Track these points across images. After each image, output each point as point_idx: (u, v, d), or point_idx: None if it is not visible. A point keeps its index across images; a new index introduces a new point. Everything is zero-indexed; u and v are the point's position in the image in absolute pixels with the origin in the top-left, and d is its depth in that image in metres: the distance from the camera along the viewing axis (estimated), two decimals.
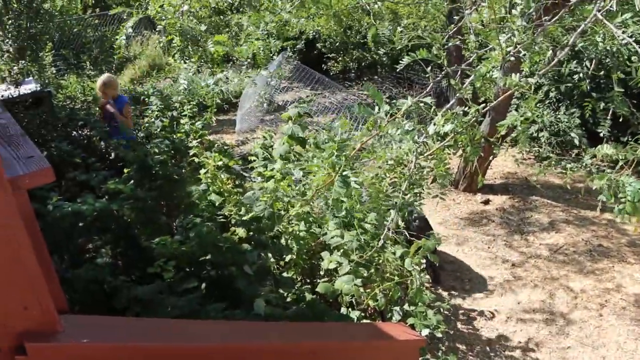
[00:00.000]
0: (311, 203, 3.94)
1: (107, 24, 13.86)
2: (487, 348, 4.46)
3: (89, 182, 3.97)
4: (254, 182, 4.81)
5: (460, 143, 2.69)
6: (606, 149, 2.23)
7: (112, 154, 4.80)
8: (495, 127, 3.23)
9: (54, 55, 10.89)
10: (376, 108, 2.41)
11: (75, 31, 13.12)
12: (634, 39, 2.36)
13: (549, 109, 7.74)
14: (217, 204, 3.90)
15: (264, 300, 2.91)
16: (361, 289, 3.42)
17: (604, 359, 4.27)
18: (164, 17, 7.51)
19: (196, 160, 4.68)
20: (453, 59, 6.66)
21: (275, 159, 4.50)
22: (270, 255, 3.69)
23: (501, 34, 2.60)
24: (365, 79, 11.91)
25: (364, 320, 3.71)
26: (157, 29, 12.59)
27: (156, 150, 4.55)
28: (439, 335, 4.11)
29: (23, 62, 8.84)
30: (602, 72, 6.46)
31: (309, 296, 3.52)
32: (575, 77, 7.20)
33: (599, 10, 2.28)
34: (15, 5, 9.32)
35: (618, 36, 2.27)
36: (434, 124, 2.50)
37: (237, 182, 4.59)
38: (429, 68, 2.72)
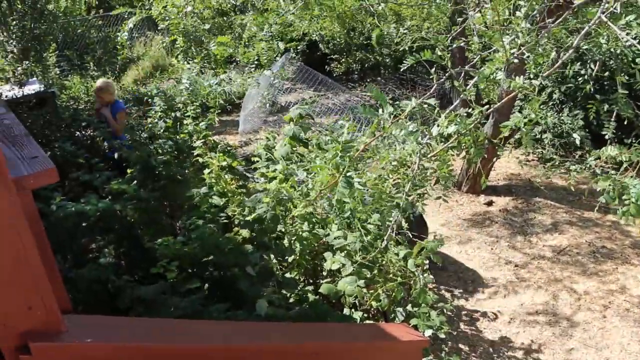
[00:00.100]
0: (314, 204, 3.94)
1: (110, 25, 13.89)
2: (490, 349, 4.45)
3: (92, 182, 3.98)
4: (257, 182, 4.81)
5: (463, 144, 2.68)
6: (610, 150, 2.22)
7: (116, 155, 4.80)
8: (498, 129, 3.22)
9: (57, 56, 10.92)
10: (380, 109, 2.41)
11: (79, 32, 13.15)
12: (637, 40, 2.36)
13: (553, 110, 7.72)
14: (220, 204, 3.90)
15: (266, 301, 2.91)
16: (364, 290, 3.42)
17: None
18: (167, 18, 7.53)
19: (200, 160, 4.69)
20: (456, 60, 6.65)
21: (278, 160, 4.50)
22: (272, 256, 3.69)
23: (505, 35, 2.59)
24: (368, 80, 11.91)
25: (367, 321, 3.71)
26: (159, 29, 12.61)
27: (159, 151, 4.56)
28: (442, 336, 4.10)
29: (27, 62, 8.87)
30: (606, 74, 6.44)
31: (311, 297, 3.52)
32: (579, 79, 7.20)
33: (603, 12, 2.28)
34: (20, 6, 9.34)
35: (622, 38, 2.27)
36: (438, 126, 2.50)
37: (240, 183, 4.59)
38: (433, 69, 2.72)
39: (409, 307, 3.71)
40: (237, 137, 9.29)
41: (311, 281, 4.06)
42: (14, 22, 9.16)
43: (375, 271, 3.55)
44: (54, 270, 1.50)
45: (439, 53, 2.63)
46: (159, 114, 6.17)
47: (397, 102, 2.55)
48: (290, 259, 3.85)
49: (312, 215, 3.94)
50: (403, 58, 3.09)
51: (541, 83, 2.51)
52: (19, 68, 8.48)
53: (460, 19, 3.54)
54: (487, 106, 2.76)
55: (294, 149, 4.58)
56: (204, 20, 8.09)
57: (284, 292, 3.43)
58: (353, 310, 3.67)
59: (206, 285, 3.18)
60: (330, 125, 5.09)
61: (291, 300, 3.47)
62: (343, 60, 11.86)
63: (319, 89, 10.27)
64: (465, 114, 2.66)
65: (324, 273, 3.94)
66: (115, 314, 2.67)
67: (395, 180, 3.81)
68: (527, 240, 6.01)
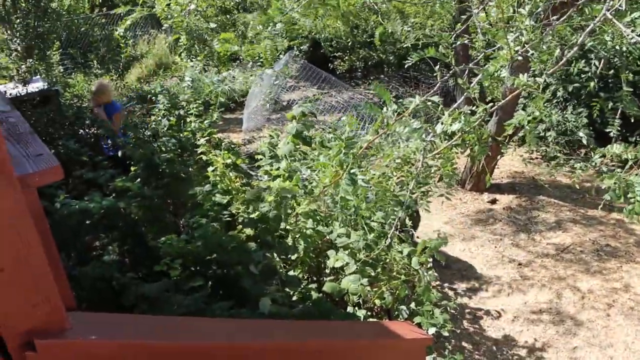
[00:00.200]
0: (318, 200, 3.94)
1: (114, 23, 13.89)
2: (494, 347, 4.45)
3: (96, 180, 3.98)
4: (261, 180, 4.81)
5: (467, 142, 2.68)
6: (616, 148, 2.22)
7: (120, 153, 4.81)
8: (502, 127, 3.21)
9: (61, 54, 10.94)
10: (384, 107, 2.40)
11: (83, 30, 13.16)
12: None
13: (557, 108, 7.70)
14: (224, 202, 3.91)
15: (270, 299, 2.91)
16: (367, 288, 3.41)
17: (611, 359, 4.25)
18: (170, 16, 7.54)
19: (204, 158, 4.69)
20: (460, 58, 6.64)
21: (281, 158, 4.51)
22: (275, 254, 3.69)
23: (509, 33, 2.59)
24: (371, 78, 11.89)
25: (371, 319, 3.71)
26: (163, 28, 12.64)
27: (163, 149, 4.56)
28: (446, 334, 4.10)
29: (31, 60, 8.88)
30: (610, 72, 6.42)
31: (315, 295, 3.52)
32: (583, 76, 7.17)
33: (608, 10, 2.27)
34: (24, 5, 9.35)
35: (627, 35, 2.26)
36: (442, 123, 2.49)
37: (244, 181, 4.59)
38: (437, 67, 2.71)
39: (412, 305, 3.71)
40: (240, 134, 9.30)
41: (315, 279, 4.06)
42: (18, 21, 9.18)
43: (379, 269, 3.55)
44: (58, 268, 1.51)
45: (443, 51, 2.62)
46: (163, 112, 6.17)
47: (401, 100, 2.54)
48: (293, 257, 3.85)
49: (316, 213, 3.94)
50: (406, 56, 3.08)
51: (545, 81, 2.50)
52: (23, 66, 8.49)
53: (464, 17, 3.53)
54: (491, 104, 2.76)
55: (297, 146, 4.58)
56: (207, 18, 8.10)
57: (287, 290, 3.43)
58: (356, 308, 3.67)
59: (209, 283, 3.18)
60: (334, 123, 5.09)
61: (294, 298, 3.47)
62: (346, 58, 11.84)
63: (322, 86, 10.26)
64: (469, 112, 2.65)
65: (328, 271, 3.94)
66: (119, 312, 2.67)
67: (399, 178, 3.81)
68: (530, 239, 6.00)
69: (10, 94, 5.87)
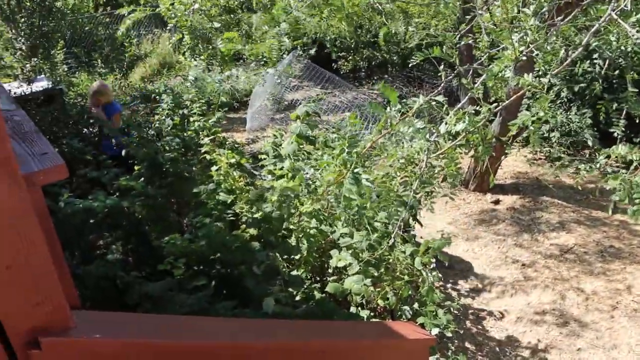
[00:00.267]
0: (322, 199, 3.94)
1: (118, 22, 13.91)
2: (497, 348, 4.44)
3: (99, 179, 3.99)
4: (265, 180, 4.82)
5: (472, 142, 2.67)
6: (620, 149, 2.21)
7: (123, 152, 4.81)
8: (506, 127, 3.21)
9: (65, 53, 10.97)
10: (388, 106, 2.40)
11: (87, 29, 13.19)
12: None
13: (561, 109, 7.69)
14: (228, 202, 3.91)
15: (273, 299, 2.91)
16: (371, 288, 3.41)
17: None
18: (174, 15, 7.55)
19: (207, 157, 4.69)
20: (464, 58, 6.63)
21: (285, 158, 4.51)
22: (279, 254, 3.69)
23: (514, 33, 2.58)
24: (375, 78, 11.89)
25: (374, 319, 3.71)
26: (167, 27, 12.63)
27: (167, 148, 4.57)
28: (449, 334, 4.09)
29: (35, 59, 8.91)
30: (615, 72, 6.41)
31: (318, 295, 3.52)
32: (588, 76, 7.15)
33: (613, 10, 2.26)
34: (28, 4, 9.38)
35: (632, 35, 2.25)
36: (446, 123, 2.49)
37: (248, 181, 4.60)
38: (441, 67, 2.71)
39: (415, 306, 3.71)
40: (244, 134, 9.31)
41: (318, 279, 4.06)
42: (23, 20, 9.21)
43: (382, 269, 3.54)
44: (62, 267, 1.51)
45: (447, 50, 2.62)
46: (167, 111, 6.18)
47: (405, 100, 2.54)
48: (297, 257, 3.85)
49: (320, 212, 3.94)
50: (410, 56, 3.08)
51: (549, 81, 2.50)
52: (28, 65, 8.52)
53: (469, 17, 3.53)
54: (495, 104, 2.75)
55: (301, 146, 4.58)
56: (211, 17, 8.10)
57: (290, 290, 3.43)
58: (360, 308, 3.67)
59: (213, 282, 3.18)
60: (337, 123, 5.09)
61: (298, 298, 3.47)
62: (350, 58, 11.84)
63: (326, 86, 10.26)
64: (473, 112, 2.65)
65: (331, 271, 3.94)
66: (123, 310, 2.68)
67: (402, 178, 3.80)
68: (534, 239, 5.99)
69: (15, 93, 5.89)
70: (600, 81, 6.27)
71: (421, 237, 4.45)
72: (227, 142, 5.04)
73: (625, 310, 4.76)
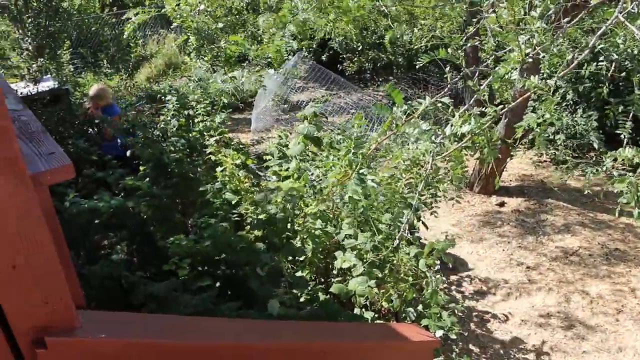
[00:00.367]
0: (327, 200, 3.94)
1: (124, 23, 13.97)
2: (501, 351, 4.43)
3: (105, 179, 4.00)
4: (270, 181, 4.82)
5: (477, 144, 2.67)
6: (627, 152, 2.20)
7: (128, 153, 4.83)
8: (512, 129, 3.21)
9: (71, 53, 11.00)
10: (394, 108, 2.40)
11: (93, 30, 13.24)
12: None
13: (566, 111, 7.66)
14: (233, 202, 3.91)
15: (278, 301, 2.91)
16: (375, 290, 3.41)
17: None
18: (179, 16, 7.56)
19: (213, 158, 4.70)
20: (470, 60, 6.62)
21: (290, 159, 4.51)
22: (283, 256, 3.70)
23: (520, 35, 2.57)
24: (380, 79, 11.88)
25: (378, 321, 3.70)
26: (172, 28, 12.67)
27: (172, 149, 4.58)
28: (453, 336, 4.09)
29: (42, 60, 8.93)
30: (622, 74, 6.38)
31: (322, 296, 3.51)
32: (593, 78, 7.13)
33: (620, 12, 2.25)
34: (35, 4, 9.42)
35: (639, 38, 2.24)
36: (452, 125, 2.48)
37: (253, 181, 4.60)
38: (447, 69, 2.71)
39: (420, 308, 3.70)
40: (249, 135, 9.31)
41: (322, 280, 4.06)
42: (29, 20, 9.24)
43: (387, 271, 3.54)
44: (69, 266, 1.51)
45: (453, 52, 2.61)
46: (172, 112, 6.19)
47: (410, 102, 2.54)
48: (302, 258, 3.85)
49: (325, 213, 3.94)
50: (416, 57, 3.08)
51: (555, 83, 2.49)
52: (34, 65, 8.54)
53: (475, 19, 3.52)
54: (500, 106, 2.74)
55: (307, 147, 4.59)
56: (216, 18, 8.11)
57: (295, 291, 3.43)
58: (364, 310, 3.67)
59: (217, 283, 3.19)
60: (342, 124, 5.09)
61: (302, 299, 3.47)
62: (355, 59, 11.84)
63: (331, 87, 10.26)
64: (479, 114, 2.64)
65: (335, 272, 3.94)
66: (127, 310, 2.68)
67: (408, 180, 3.80)
68: (539, 242, 5.97)
69: (22, 93, 5.91)
70: (607, 84, 6.25)
71: (425, 239, 4.44)
72: (232, 143, 5.05)
73: (630, 313, 4.74)
